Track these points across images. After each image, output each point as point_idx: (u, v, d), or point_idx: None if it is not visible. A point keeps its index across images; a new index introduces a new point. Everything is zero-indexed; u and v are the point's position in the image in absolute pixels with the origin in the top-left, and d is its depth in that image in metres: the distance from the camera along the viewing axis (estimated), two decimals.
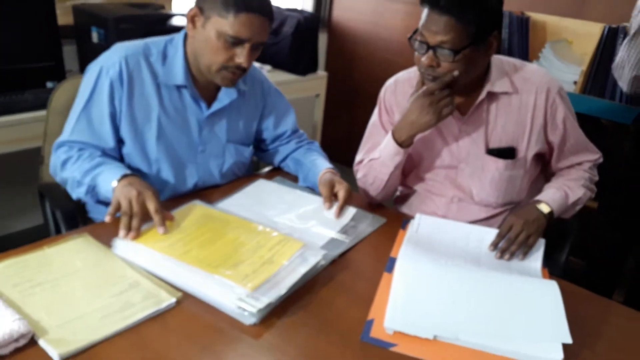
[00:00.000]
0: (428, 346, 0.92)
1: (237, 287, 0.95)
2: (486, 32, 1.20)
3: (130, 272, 1.00)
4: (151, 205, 1.10)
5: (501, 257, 1.21)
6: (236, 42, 1.20)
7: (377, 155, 1.38)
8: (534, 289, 1.05)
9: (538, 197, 1.33)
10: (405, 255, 1.17)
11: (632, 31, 1.77)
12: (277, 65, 2.88)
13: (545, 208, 1.28)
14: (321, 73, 3.06)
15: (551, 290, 1.04)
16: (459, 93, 1.33)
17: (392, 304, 1.00)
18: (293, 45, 2.80)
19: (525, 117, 1.34)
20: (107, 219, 1.08)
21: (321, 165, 1.44)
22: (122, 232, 1.07)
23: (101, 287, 0.95)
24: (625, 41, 1.83)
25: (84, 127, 1.27)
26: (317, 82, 3.04)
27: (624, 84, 1.91)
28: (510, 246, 1.21)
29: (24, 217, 2.45)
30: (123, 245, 1.06)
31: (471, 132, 1.36)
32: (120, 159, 1.33)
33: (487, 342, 0.92)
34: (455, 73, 1.21)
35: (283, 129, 1.55)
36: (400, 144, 1.33)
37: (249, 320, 0.92)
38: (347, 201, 1.33)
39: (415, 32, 1.24)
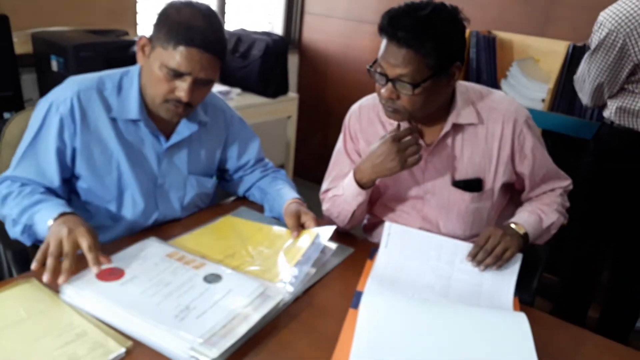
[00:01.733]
0: None
1: (189, 335, 0.90)
2: (447, 62, 1.17)
3: (77, 319, 0.94)
4: (84, 243, 1.02)
5: (477, 266, 1.21)
6: (176, 75, 1.16)
7: (340, 192, 1.35)
8: (503, 323, 1.02)
9: (512, 220, 1.30)
10: (371, 290, 1.13)
11: (592, 46, 1.80)
12: (247, 88, 2.85)
13: (520, 229, 1.27)
14: (292, 95, 3.04)
15: (520, 324, 1.01)
16: (422, 122, 1.31)
17: (357, 344, 0.95)
18: (262, 68, 2.78)
19: (492, 148, 1.31)
20: (33, 266, 0.99)
21: (287, 195, 1.40)
22: (45, 276, 0.97)
23: (45, 339, 0.89)
24: (586, 56, 1.86)
25: (29, 163, 1.21)
26: (288, 104, 3.02)
27: (584, 96, 1.96)
28: (486, 257, 1.20)
29: None
30: (71, 291, 1.00)
31: (437, 163, 1.33)
32: (69, 196, 1.28)
33: None
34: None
35: (247, 158, 1.51)
36: (362, 185, 1.30)
37: None
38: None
39: (374, 62, 1.21)
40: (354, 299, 1.12)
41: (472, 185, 1.33)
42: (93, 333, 0.91)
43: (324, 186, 1.46)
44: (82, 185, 1.27)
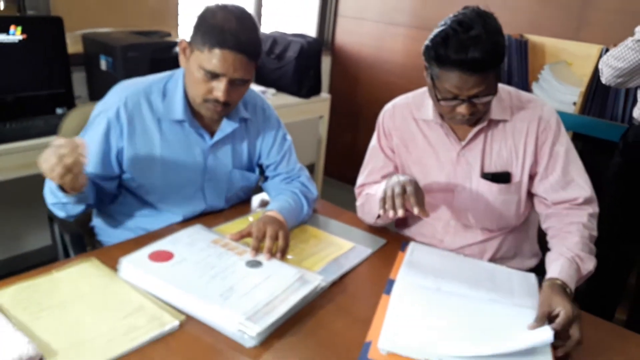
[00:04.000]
0: None
1: (235, 312, 0.98)
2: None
3: (134, 295, 1.04)
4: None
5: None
6: (213, 76, 1.23)
7: (373, 192, 1.42)
8: (526, 321, 1.07)
9: (555, 276, 1.16)
10: (404, 278, 1.20)
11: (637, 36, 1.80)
12: (281, 88, 2.94)
13: (568, 290, 1.14)
14: (324, 95, 3.12)
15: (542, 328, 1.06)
16: None
17: (387, 325, 1.02)
18: (296, 69, 2.86)
19: (518, 144, 1.37)
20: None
21: (271, 205, 1.40)
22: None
23: (107, 311, 0.98)
24: (631, 41, 1.84)
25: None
26: (320, 105, 3.10)
27: (608, 70, 1.94)
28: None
29: (34, 238, 2.50)
30: (128, 269, 1.10)
31: (468, 157, 1.40)
32: (119, 191, 1.39)
33: None
34: None
35: (272, 159, 1.53)
36: None
37: (248, 342, 0.95)
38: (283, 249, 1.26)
39: (436, 90, 1.26)
40: (387, 286, 1.19)
41: (501, 177, 1.38)
42: (149, 307, 1.00)
43: (360, 181, 1.53)
44: (131, 182, 1.36)
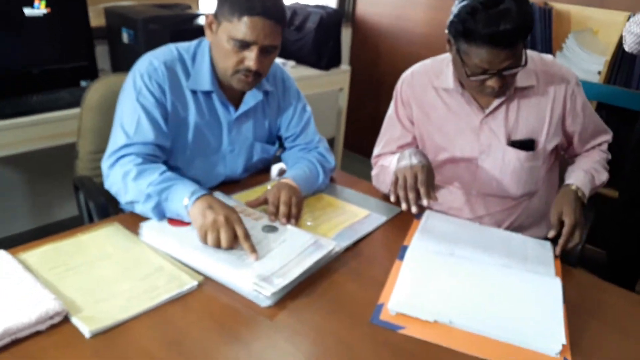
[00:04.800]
0: (435, 329, 0.96)
1: (252, 272, 1.02)
2: None
3: (155, 257, 1.08)
4: (240, 231, 1.09)
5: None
6: (243, 45, 1.24)
7: (387, 164, 1.43)
8: (537, 286, 1.08)
9: (572, 182, 1.33)
10: (417, 244, 1.22)
11: None
12: (301, 60, 2.94)
13: (579, 192, 1.31)
14: (344, 67, 3.10)
15: (553, 288, 1.07)
16: None
17: (399, 288, 1.05)
18: (316, 41, 2.85)
19: (545, 109, 1.37)
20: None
21: (287, 174, 1.42)
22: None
23: (129, 270, 1.03)
24: None
25: (139, 129, 1.27)
26: (340, 76, 3.09)
27: (625, 43, 1.92)
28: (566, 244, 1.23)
29: (61, 208, 2.59)
30: (148, 233, 1.14)
31: (492, 125, 1.39)
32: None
33: (481, 329, 0.96)
34: None
35: (292, 131, 1.55)
36: None
37: (264, 302, 0.99)
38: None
39: (464, 66, 1.24)
40: (401, 252, 1.21)
41: (526, 145, 1.39)
42: (169, 268, 1.04)
43: (376, 151, 1.54)
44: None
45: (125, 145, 1.26)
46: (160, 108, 1.31)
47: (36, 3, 1.99)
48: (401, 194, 1.27)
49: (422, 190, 1.24)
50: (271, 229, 1.20)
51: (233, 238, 1.08)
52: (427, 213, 1.39)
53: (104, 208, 1.45)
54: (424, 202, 1.25)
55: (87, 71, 2.18)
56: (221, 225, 1.08)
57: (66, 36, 2.10)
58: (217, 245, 1.08)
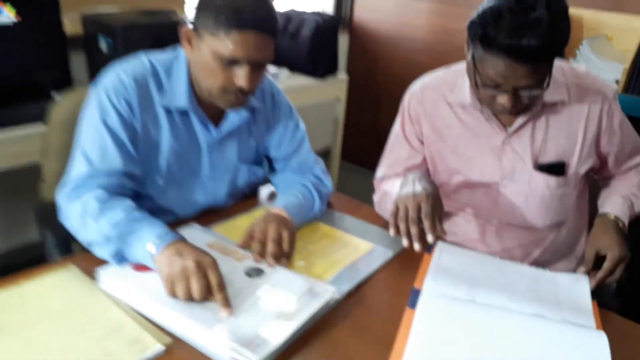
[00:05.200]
0: None
1: (230, 334, 0.82)
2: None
3: (114, 312, 0.88)
4: (213, 279, 0.89)
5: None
6: (233, 62, 1.05)
7: (390, 188, 1.25)
8: (578, 342, 0.89)
9: (609, 210, 1.18)
10: (431, 288, 1.03)
11: None
12: (295, 68, 2.76)
13: (620, 224, 1.15)
14: (342, 76, 2.94)
15: (599, 347, 0.88)
16: None
17: (412, 347, 0.86)
18: (311, 48, 2.68)
19: (577, 128, 1.19)
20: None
21: (277, 203, 1.24)
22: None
23: (80, 332, 0.83)
24: None
25: (102, 153, 1.09)
26: (337, 85, 2.92)
27: None
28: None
29: (23, 233, 2.37)
30: (108, 279, 0.94)
31: (515, 146, 1.21)
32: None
33: None
34: None
35: (284, 152, 1.36)
36: None
37: None
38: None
39: (476, 74, 1.07)
40: (411, 297, 1.01)
41: (556, 169, 1.21)
42: (130, 327, 0.85)
43: (380, 173, 1.36)
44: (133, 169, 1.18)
45: (88, 176, 1.07)
46: (128, 130, 1.11)
47: (5, 11, 1.81)
48: (402, 227, 1.08)
49: (426, 224, 1.05)
50: (256, 272, 1.00)
51: (206, 288, 0.89)
52: (439, 246, 1.20)
53: (66, 241, 1.26)
54: (429, 238, 1.06)
55: (61, 82, 2.00)
56: (191, 272, 0.88)
57: (37, 44, 1.92)
58: (189, 297, 0.88)
